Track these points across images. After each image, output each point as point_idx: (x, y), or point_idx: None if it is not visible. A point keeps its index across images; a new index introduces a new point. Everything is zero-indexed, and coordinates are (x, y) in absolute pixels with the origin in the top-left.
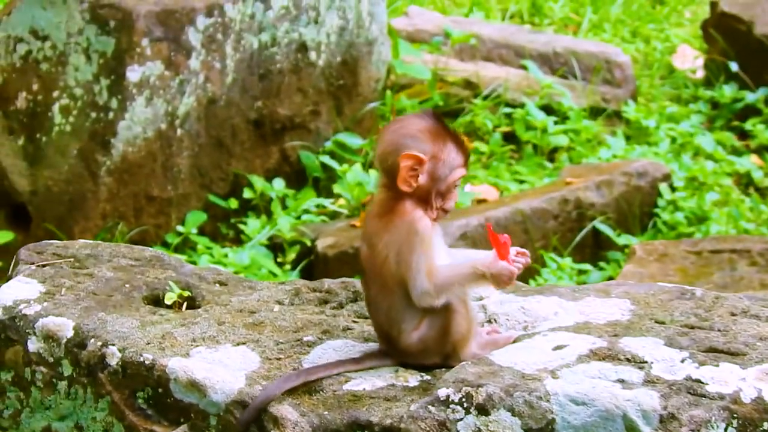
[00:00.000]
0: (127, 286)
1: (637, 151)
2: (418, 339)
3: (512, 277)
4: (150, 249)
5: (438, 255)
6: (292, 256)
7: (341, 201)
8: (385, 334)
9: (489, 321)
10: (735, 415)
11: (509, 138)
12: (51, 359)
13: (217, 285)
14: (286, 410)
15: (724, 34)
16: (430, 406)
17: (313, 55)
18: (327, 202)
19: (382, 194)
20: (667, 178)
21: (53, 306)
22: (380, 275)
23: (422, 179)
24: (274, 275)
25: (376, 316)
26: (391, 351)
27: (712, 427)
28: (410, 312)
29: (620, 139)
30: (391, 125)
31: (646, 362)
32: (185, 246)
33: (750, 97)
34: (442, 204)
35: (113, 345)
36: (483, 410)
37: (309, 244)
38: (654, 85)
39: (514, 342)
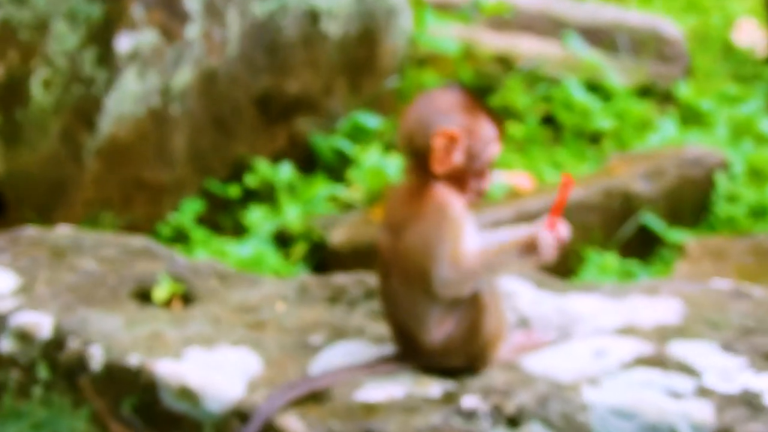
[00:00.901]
0: (112, 279)
1: (690, 136)
2: (443, 338)
3: (552, 249)
4: (139, 238)
5: (469, 240)
6: (300, 251)
7: (356, 189)
8: (404, 334)
9: (521, 323)
10: None
11: (547, 121)
12: (25, 361)
13: (214, 279)
14: (291, 422)
15: None
16: (453, 418)
17: (325, 24)
18: (340, 190)
19: (409, 179)
20: (724, 166)
21: (29, 301)
22: (404, 267)
23: (457, 158)
24: (280, 272)
25: (394, 313)
26: (411, 353)
27: None
28: (435, 308)
29: (672, 123)
30: (418, 102)
31: (698, 370)
32: (179, 237)
33: None
34: (478, 184)
35: (96, 346)
36: (513, 423)
37: (319, 238)
38: (710, 63)
39: (548, 346)
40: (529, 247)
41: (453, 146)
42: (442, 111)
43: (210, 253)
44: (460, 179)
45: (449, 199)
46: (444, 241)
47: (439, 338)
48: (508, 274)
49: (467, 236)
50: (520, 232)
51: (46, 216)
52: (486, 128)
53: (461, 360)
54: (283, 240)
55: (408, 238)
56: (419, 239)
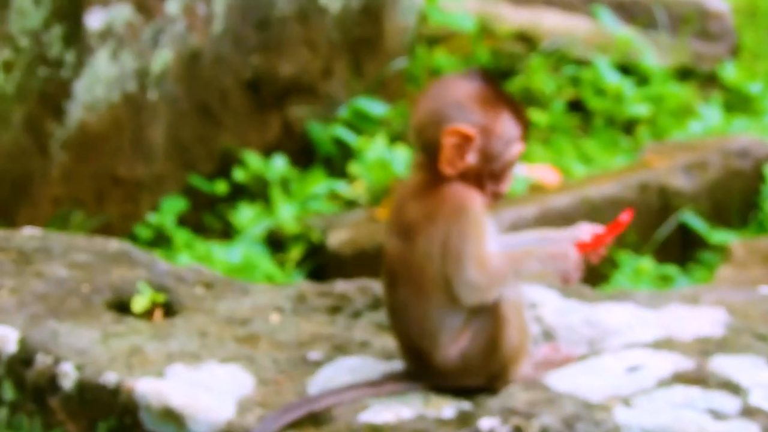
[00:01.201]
0: (85, 287)
1: (737, 124)
2: (458, 355)
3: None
4: (115, 242)
5: (491, 242)
6: (295, 254)
7: (359, 185)
8: (414, 350)
9: (546, 336)
10: None
11: (575, 106)
12: None
13: (200, 288)
14: None
15: None
16: None
17: None
18: (341, 186)
19: (421, 175)
20: None
21: None
22: (416, 275)
23: (471, 159)
24: (273, 278)
25: (404, 326)
26: (422, 371)
27: None
28: (450, 321)
29: (716, 109)
30: (431, 90)
31: (743, 388)
32: (159, 240)
33: None
34: (495, 187)
35: (68, 362)
36: None
37: (318, 240)
38: (760, 41)
39: (576, 362)
40: (556, 260)
41: (466, 146)
42: (458, 103)
43: (194, 257)
44: (475, 180)
45: (468, 196)
46: (467, 242)
47: (454, 355)
48: (530, 282)
49: (490, 237)
50: (551, 238)
51: (9, 216)
52: (508, 125)
53: (479, 379)
54: (276, 242)
55: (421, 243)
56: (436, 243)
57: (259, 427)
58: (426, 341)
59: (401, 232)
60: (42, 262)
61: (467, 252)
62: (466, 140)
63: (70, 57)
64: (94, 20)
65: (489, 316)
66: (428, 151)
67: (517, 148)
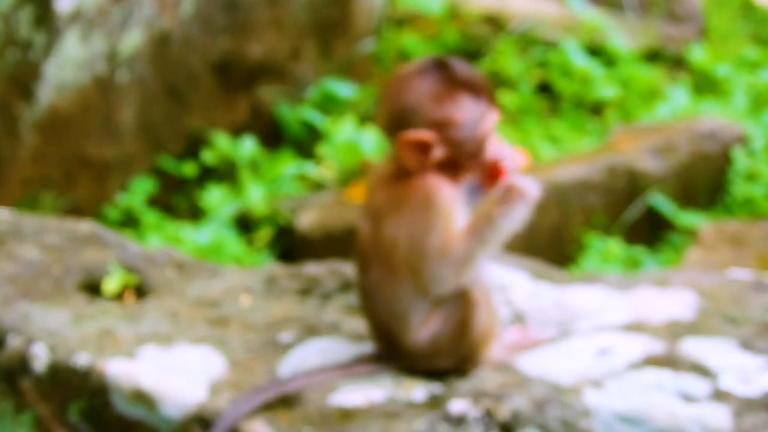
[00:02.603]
0: (56, 269)
1: (704, 106)
2: (429, 337)
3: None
4: (86, 223)
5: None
6: (265, 236)
7: (328, 167)
8: (384, 332)
9: (516, 319)
10: None
11: (543, 89)
12: None
13: (171, 269)
14: (258, 429)
15: None
16: (439, 425)
17: None
18: (310, 168)
19: (393, 161)
20: (742, 141)
21: None
22: (385, 258)
23: (438, 153)
24: (242, 260)
25: (374, 308)
26: (392, 353)
27: None
28: (419, 303)
29: (683, 91)
30: (392, 85)
31: (714, 371)
32: (128, 221)
33: None
34: (477, 161)
35: (39, 344)
36: (507, 430)
37: (286, 222)
38: (727, 23)
39: (546, 344)
40: (508, 196)
41: (426, 148)
42: (411, 106)
43: (163, 239)
44: (452, 166)
45: (435, 189)
46: (432, 237)
47: (424, 337)
48: (501, 262)
49: (454, 224)
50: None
51: None
52: (469, 109)
53: (449, 361)
54: (245, 224)
55: (389, 230)
56: (402, 233)
57: (229, 409)
58: (396, 323)
59: (372, 215)
60: (12, 243)
61: (432, 248)
62: (423, 144)
63: (39, 39)
64: (64, 2)
65: (458, 300)
66: (394, 147)
67: (487, 122)
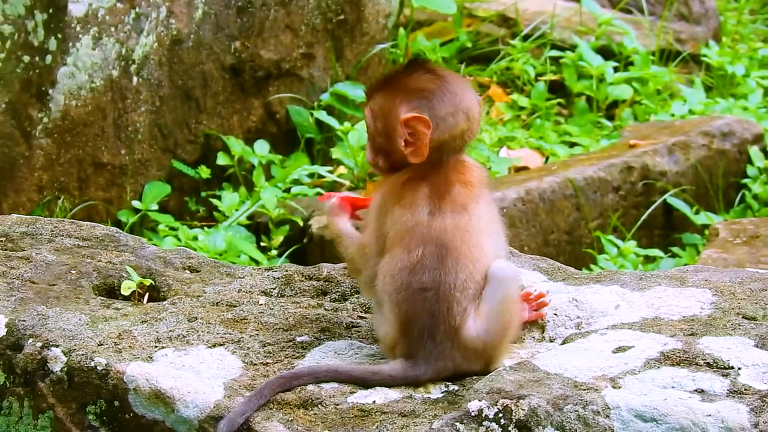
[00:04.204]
0: (73, 272)
1: (720, 105)
2: (482, 330)
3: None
4: (102, 226)
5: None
6: (279, 239)
7: (341, 169)
8: (436, 326)
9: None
10: None
11: (557, 89)
12: None
13: (187, 271)
14: (275, 428)
15: None
16: (457, 424)
17: None
18: (323, 171)
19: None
20: (758, 139)
21: None
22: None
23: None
24: (257, 263)
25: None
26: (436, 351)
27: None
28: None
29: (699, 90)
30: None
31: (731, 368)
32: (143, 226)
33: None
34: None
35: (57, 347)
36: (525, 428)
37: (301, 224)
38: (743, 22)
39: (564, 343)
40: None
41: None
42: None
43: (177, 242)
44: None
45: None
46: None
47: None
48: (518, 262)
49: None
50: None
51: None
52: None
53: (482, 362)
54: (259, 227)
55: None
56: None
57: (243, 402)
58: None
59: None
60: (30, 247)
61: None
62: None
63: (53, 44)
64: (77, 7)
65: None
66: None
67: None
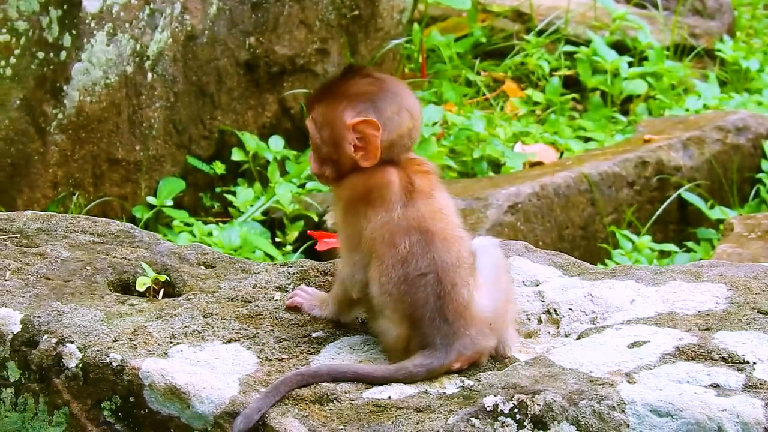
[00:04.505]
0: (88, 268)
1: (735, 100)
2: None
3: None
4: (117, 222)
5: None
6: (294, 234)
7: None
8: (447, 308)
9: (547, 312)
10: None
11: (571, 84)
12: None
13: (203, 267)
14: (290, 424)
15: None
16: (473, 419)
17: None
18: None
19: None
20: None
21: None
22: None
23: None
24: (272, 258)
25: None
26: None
27: None
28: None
29: (713, 85)
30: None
31: (747, 363)
32: (158, 222)
33: None
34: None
35: (72, 343)
36: (540, 423)
37: (316, 219)
38: (757, 17)
39: (579, 338)
40: None
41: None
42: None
43: (192, 238)
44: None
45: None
46: None
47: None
48: (532, 257)
49: None
50: None
51: (8, 200)
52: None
53: (494, 336)
54: (274, 223)
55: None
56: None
57: (259, 398)
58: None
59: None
60: (45, 243)
61: None
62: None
63: (67, 40)
64: (92, 3)
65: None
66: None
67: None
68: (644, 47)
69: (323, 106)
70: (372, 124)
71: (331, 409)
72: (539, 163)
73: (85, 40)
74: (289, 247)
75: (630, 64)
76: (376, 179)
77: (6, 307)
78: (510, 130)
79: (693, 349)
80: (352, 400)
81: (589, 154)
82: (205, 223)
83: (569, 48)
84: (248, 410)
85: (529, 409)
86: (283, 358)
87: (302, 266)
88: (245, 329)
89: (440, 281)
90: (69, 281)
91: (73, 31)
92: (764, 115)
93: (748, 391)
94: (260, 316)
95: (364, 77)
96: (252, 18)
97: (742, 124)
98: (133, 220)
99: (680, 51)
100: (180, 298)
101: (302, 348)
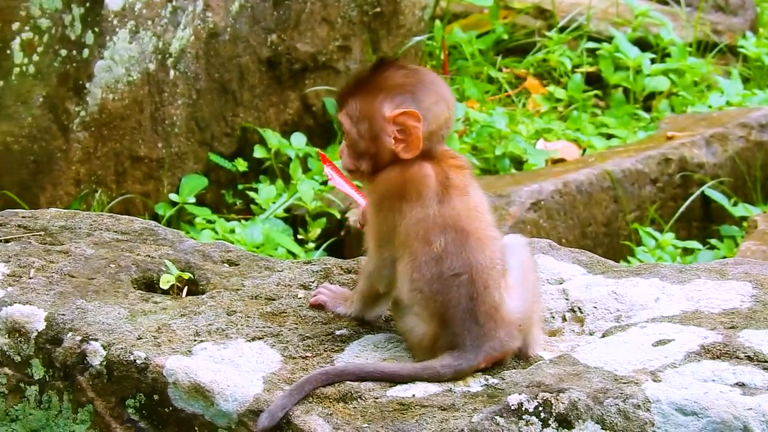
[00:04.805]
0: (112, 266)
1: (758, 96)
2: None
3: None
4: (140, 220)
5: None
6: (316, 231)
7: None
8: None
9: (572, 310)
10: None
11: (593, 81)
12: (18, 358)
13: (226, 265)
14: (315, 422)
15: None
16: (497, 417)
17: None
18: None
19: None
20: None
21: (20, 291)
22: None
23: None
24: (294, 255)
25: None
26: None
27: None
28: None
29: (736, 82)
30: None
31: None
32: (180, 219)
33: None
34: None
35: (96, 340)
36: (565, 422)
37: (338, 216)
38: None
39: (604, 336)
40: None
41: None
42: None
43: (214, 235)
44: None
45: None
46: None
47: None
48: (557, 255)
49: None
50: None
51: (31, 197)
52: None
53: (521, 337)
54: (296, 220)
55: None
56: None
57: (284, 395)
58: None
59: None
60: (69, 240)
61: None
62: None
63: (90, 37)
64: (114, 0)
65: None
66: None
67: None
68: (667, 44)
69: (359, 100)
70: (413, 116)
71: (355, 407)
72: (561, 160)
73: (107, 38)
74: (311, 245)
75: (652, 61)
76: (412, 173)
77: (30, 304)
78: (532, 127)
79: (718, 347)
80: (376, 399)
81: (611, 151)
82: (228, 220)
83: (591, 45)
84: (272, 408)
85: (553, 407)
86: (307, 356)
87: (326, 264)
88: (269, 327)
89: (473, 282)
90: (93, 279)
91: (96, 29)
92: None
93: None
94: (284, 314)
95: (399, 69)
96: (274, 15)
97: (766, 121)
98: (156, 217)
99: (703, 47)
100: (204, 296)
101: (326, 346)
